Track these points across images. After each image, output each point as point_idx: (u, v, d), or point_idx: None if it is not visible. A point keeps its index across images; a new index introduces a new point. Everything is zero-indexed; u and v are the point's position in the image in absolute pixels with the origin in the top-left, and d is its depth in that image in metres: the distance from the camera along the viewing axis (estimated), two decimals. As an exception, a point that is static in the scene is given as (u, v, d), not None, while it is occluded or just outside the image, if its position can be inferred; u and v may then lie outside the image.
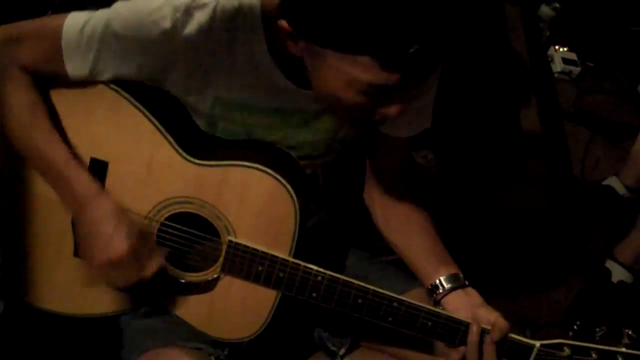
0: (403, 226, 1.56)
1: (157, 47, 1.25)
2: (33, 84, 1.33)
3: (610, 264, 2.53)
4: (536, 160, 2.99)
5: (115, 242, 1.29)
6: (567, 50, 3.49)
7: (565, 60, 3.45)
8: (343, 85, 1.14)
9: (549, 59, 3.47)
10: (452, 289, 1.45)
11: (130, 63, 1.28)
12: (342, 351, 1.68)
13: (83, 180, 1.32)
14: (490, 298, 1.45)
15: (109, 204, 1.32)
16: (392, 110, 1.20)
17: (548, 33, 3.52)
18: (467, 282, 1.47)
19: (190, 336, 1.44)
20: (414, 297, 1.44)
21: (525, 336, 1.36)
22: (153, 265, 1.32)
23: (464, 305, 1.42)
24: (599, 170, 3.03)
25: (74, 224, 1.42)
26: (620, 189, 2.78)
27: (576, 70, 3.44)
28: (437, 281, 1.47)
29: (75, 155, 1.34)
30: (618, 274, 2.50)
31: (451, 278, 1.46)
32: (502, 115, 3.09)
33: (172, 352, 1.41)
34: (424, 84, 1.19)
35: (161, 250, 1.37)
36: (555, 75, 3.43)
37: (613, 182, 2.81)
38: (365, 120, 1.24)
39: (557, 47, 3.48)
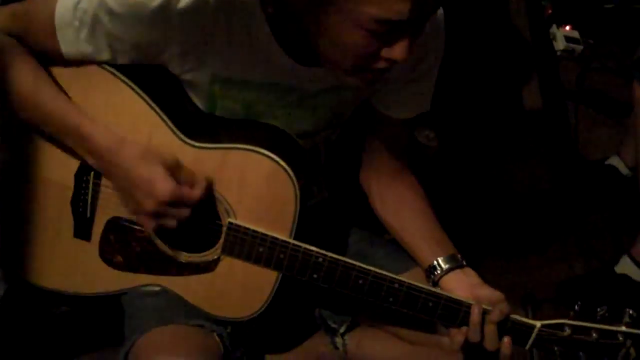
0: (399, 208, 1.56)
1: (151, 22, 1.24)
2: (28, 50, 1.31)
3: (625, 261, 2.48)
4: (538, 139, 2.98)
5: (156, 185, 1.27)
6: (569, 29, 3.47)
7: (568, 39, 3.42)
8: (350, 27, 1.13)
9: (551, 37, 3.44)
10: (449, 270, 1.45)
11: (125, 40, 1.27)
12: (342, 329, 1.69)
13: (102, 133, 1.30)
14: (492, 276, 1.45)
15: (135, 148, 1.30)
16: (399, 50, 1.17)
17: (550, 11, 3.49)
18: (464, 262, 1.47)
19: (192, 314, 1.45)
20: (415, 276, 1.45)
21: (526, 313, 1.36)
22: (197, 190, 1.31)
23: (462, 285, 1.42)
24: (602, 148, 3.02)
25: (73, 205, 1.43)
26: (623, 168, 2.77)
27: (578, 48, 3.41)
28: (435, 262, 1.47)
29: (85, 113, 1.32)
30: (628, 269, 2.46)
31: (448, 259, 1.46)
32: (504, 94, 3.06)
33: (174, 329, 1.41)
34: (419, 31, 1.19)
35: (199, 177, 1.34)
36: (558, 53, 3.41)
37: (615, 161, 2.79)
38: (371, 69, 1.22)
39: (559, 25, 3.45)
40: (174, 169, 1.31)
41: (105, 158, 1.31)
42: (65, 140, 1.34)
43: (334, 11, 1.13)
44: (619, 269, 2.45)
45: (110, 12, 1.24)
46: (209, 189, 1.34)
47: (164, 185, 1.27)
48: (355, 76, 1.25)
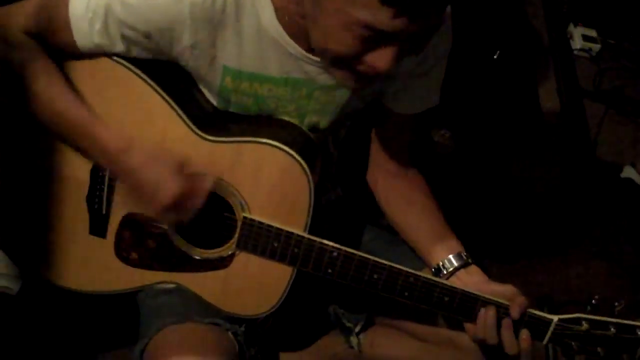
0: (405, 206, 1.56)
1: (163, 10, 1.25)
2: (44, 50, 1.32)
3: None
4: (555, 139, 2.96)
5: (164, 186, 1.28)
6: (586, 27, 3.45)
7: (585, 37, 3.40)
8: (341, 27, 1.11)
9: (568, 36, 3.42)
10: (456, 269, 1.44)
11: (137, 29, 1.28)
12: (357, 328, 1.68)
13: (112, 134, 1.31)
14: (508, 276, 1.44)
15: (143, 149, 1.31)
16: (381, 59, 1.15)
17: (566, 8, 3.47)
18: (470, 260, 1.46)
19: (207, 312, 1.45)
20: (428, 275, 1.43)
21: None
22: (208, 181, 1.32)
23: (469, 283, 1.41)
24: (619, 149, 3.00)
25: (89, 202, 1.43)
26: (639, 179, 2.73)
27: (596, 47, 3.39)
28: (441, 262, 1.46)
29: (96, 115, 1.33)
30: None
31: (454, 258, 1.46)
32: (520, 94, 3.05)
33: (189, 327, 1.41)
34: (419, 42, 1.17)
35: (204, 174, 1.34)
36: (575, 52, 3.39)
37: (631, 173, 2.75)
38: (352, 70, 1.20)
39: (576, 24, 3.43)
40: (183, 167, 1.31)
41: (115, 160, 1.32)
42: (77, 142, 1.35)
43: (327, 8, 1.11)
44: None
45: (122, 2, 1.25)
46: (220, 180, 1.35)
47: (171, 185, 1.28)
48: (338, 71, 1.22)
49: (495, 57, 2.80)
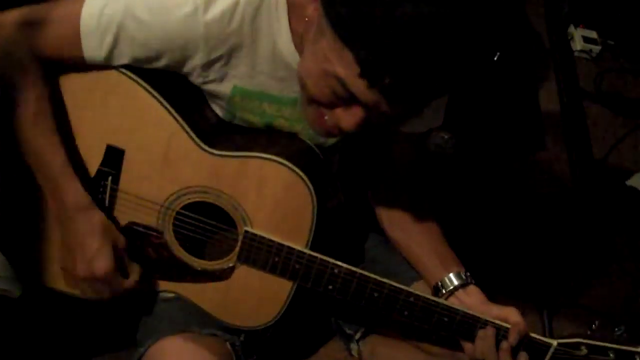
0: (405, 224, 1.55)
1: (176, 32, 1.23)
2: (43, 75, 1.30)
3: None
4: (555, 140, 2.96)
5: (99, 259, 1.34)
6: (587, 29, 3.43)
7: (585, 39, 3.39)
8: (321, 72, 1.10)
9: (569, 38, 3.41)
10: (455, 288, 1.44)
11: (149, 47, 1.26)
12: (358, 335, 1.69)
13: (76, 190, 1.33)
14: (509, 280, 1.44)
15: (98, 218, 1.34)
16: (347, 119, 1.15)
17: (567, 9, 3.46)
18: (469, 280, 1.46)
19: (206, 322, 1.45)
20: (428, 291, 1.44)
21: (542, 317, 1.35)
22: (130, 280, 1.39)
23: (468, 303, 1.41)
24: (619, 150, 2.99)
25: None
26: None
27: (596, 48, 3.38)
28: (440, 282, 1.46)
29: (70, 164, 1.34)
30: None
31: (454, 277, 1.46)
32: (521, 95, 3.05)
33: (187, 338, 1.42)
34: (394, 120, 1.17)
35: (135, 267, 1.41)
36: (575, 53, 3.38)
37: (637, 182, 2.74)
38: (317, 122, 1.20)
39: (576, 25, 3.42)
40: (122, 254, 1.38)
41: (67, 216, 1.34)
42: (42, 181, 1.35)
43: (320, 46, 1.10)
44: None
45: (136, 19, 1.23)
46: (222, 193, 1.36)
47: (104, 263, 1.34)
48: (309, 110, 1.21)
49: (495, 58, 2.79)
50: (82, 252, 1.34)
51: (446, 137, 2.58)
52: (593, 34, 3.41)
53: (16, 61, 1.27)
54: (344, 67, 1.05)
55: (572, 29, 3.41)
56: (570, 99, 3.13)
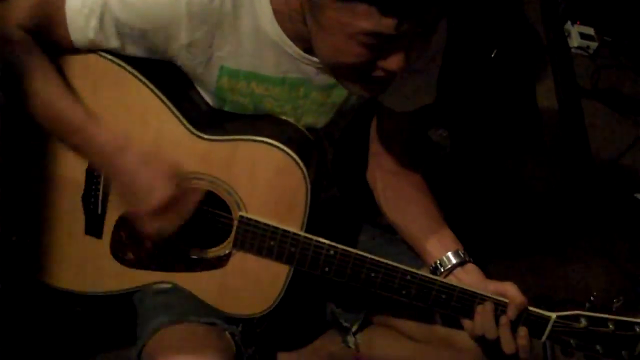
0: (403, 205, 1.55)
1: (159, 11, 1.25)
2: (37, 44, 1.30)
3: None
4: (553, 137, 2.96)
5: (157, 188, 1.27)
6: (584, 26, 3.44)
7: (583, 35, 3.40)
8: (344, 38, 1.11)
9: (566, 34, 3.42)
10: (453, 267, 1.44)
11: (133, 27, 1.27)
12: (354, 327, 1.68)
13: (107, 133, 1.30)
14: (507, 276, 1.43)
15: (138, 151, 1.30)
16: (393, 62, 1.15)
17: (564, 5, 3.47)
18: (467, 259, 1.45)
19: (204, 312, 1.44)
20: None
21: (541, 311, 1.34)
22: (193, 201, 1.31)
23: (467, 281, 1.40)
24: (616, 147, 2.99)
25: (84, 201, 1.42)
26: None
27: (593, 45, 3.39)
28: (438, 260, 1.45)
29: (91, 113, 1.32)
30: None
31: (452, 255, 1.45)
32: (518, 92, 3.05)
33: (185, 327, 1.41)
34: (426, 37, 1.17)
35: (195, 189, 1.35)
36: (572, 50, 3.39)
37: None
38: (366, 79, 1.21)
39: (573, 22, 3.43)
40: (176, 172, 1.30)
41: (109, 160, 1.31)
42: (73, 141, 1.33)
43: (327, 20, 1.11)
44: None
45: (120, 0, 1.25)
46: (216, 178, 1.35)
47: (162, 189, 1.27)
48: (353, 84, 1.23)
49: (492, 55, 2.80)
50: (137, 189, 1.28)
51: (443, 134, 2.58)
52: (590, 31, 3.43)
53: (9, 38, 1.27)
54: (365, 19, 1.06)
55: (569, 25, 3.43)
56: (567, 95, 3.13)
